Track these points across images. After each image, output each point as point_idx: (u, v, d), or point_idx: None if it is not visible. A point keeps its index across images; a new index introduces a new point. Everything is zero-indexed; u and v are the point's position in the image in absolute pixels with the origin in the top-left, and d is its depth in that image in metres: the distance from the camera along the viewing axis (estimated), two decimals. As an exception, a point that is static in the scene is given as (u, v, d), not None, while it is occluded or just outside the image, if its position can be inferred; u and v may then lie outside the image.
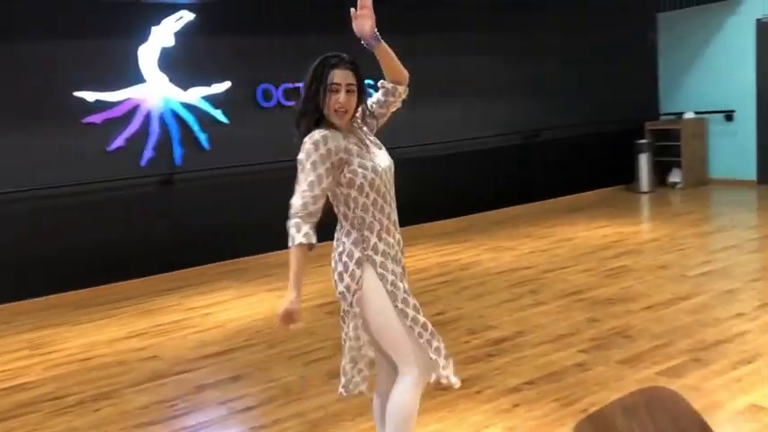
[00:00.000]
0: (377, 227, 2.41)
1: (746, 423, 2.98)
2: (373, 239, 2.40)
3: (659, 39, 10.50)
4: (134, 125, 6.48)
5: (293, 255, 2.32)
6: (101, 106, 6.29)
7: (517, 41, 8.93)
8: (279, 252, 7.13)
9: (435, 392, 3.52)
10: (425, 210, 8.24)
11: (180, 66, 6.64)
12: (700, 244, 6.46)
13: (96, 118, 6.28)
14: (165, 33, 6.50)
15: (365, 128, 2.58)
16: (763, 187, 9.27)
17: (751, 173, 9.56)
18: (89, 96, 6.21)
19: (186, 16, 6.53)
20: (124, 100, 6.40)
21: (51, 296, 6.13)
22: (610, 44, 9.87)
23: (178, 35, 6.56)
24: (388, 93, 2.65)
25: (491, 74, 8.75)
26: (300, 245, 2.30)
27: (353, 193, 2.37)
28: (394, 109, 2.70)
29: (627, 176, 9.94)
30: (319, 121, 2.39)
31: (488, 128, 8.70)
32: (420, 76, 8.25)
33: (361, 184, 2.35)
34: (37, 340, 5.14)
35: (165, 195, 6.72)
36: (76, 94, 6.16)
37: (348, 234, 2.43)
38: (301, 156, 2.33)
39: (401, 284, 2.45)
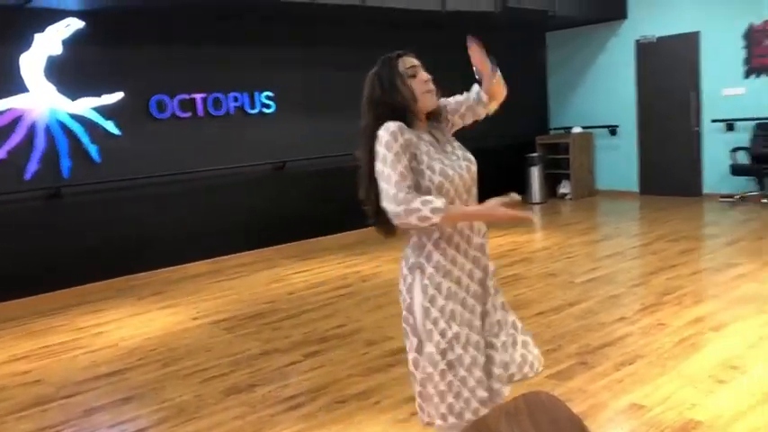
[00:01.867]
0: (435, 235, 2.16)
1: (628, 421, 3.16)
2: (428, 247, 2.17)
3: (548, 57, 11.01)
4: (17, 137, 6.13)
5: (439, 215, 2.01)
6: (-21, 116, 5.93)
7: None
8: (173, 268, 6.95)
9: (333, 405, 3.53)
10: (326, 222, 8.25)
11: (68, 75, 6.35)
12: (587, 252, 6.80)
13: (-26, 129, 5.92)
14: (51, 41, 6.21)
15: (443, 125, 2.40)
16: (645, 197, 9.89)
17: (633, 184, 10.18)
18: (-34, 106, 5.84)
19: (74, 24, 6.26)
20: (5, 110, 6.06)
21: None
22: (504, 62, 10.22)
23: (66, 43, 6.28)
24: (480, 102, 2.54)
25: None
26: (437, 209, 2.01)
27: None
28: (470, 121, 2.57)
29: (520, 188, 10.33)
30: (403, 116, 2.18)
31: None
32: (318, 90, 8.35)
33: (428, 187, 2.12)
34: None
35: (52, 210, 6.38)
36: (-49, 103, 5.79)
37: (410, 237, 2.24)
38: (380, 149, 2.12)
39: (454, 312, 2.16)
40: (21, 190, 6.17)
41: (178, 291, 6.33)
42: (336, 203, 8.41)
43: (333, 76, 8.30)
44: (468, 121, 2.54)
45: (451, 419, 2.16)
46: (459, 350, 2.14)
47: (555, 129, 11.03)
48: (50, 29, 6.18)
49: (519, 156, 10.17)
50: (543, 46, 11.01)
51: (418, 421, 3.25)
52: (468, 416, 2.14)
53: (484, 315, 2.25)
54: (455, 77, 9.78)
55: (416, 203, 2.02)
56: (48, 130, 6.29)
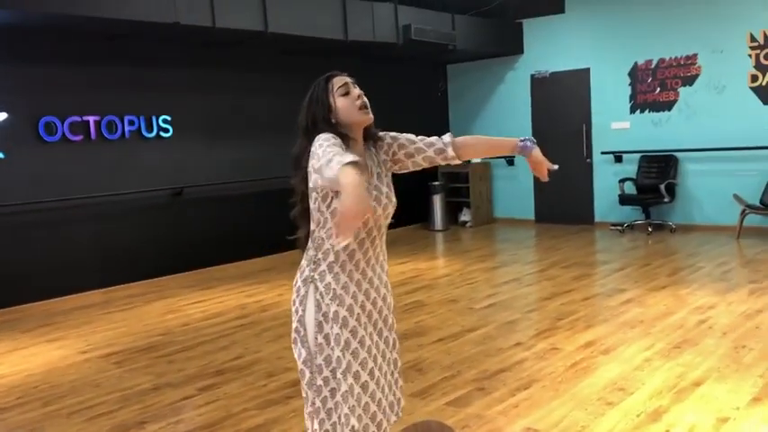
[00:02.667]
0: (331, 258, 2.18)
1: (522, 446, 3.21)
2: (323, 266, 2.19)
3: (449, 88, 11.32)
4: None
5: (343, 175, 1.79)
6: None
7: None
8: (62, 298, 6.58)
9: (228, 441, 3.40)
10: (226, 250, 8.06)
11: (-55, 93, 5.96)
12: (485, 278, 6.95)
13: None
14: (-74, 56, 5.81)
15: (380, 155, 2.37)
16: (541, 225, 10.26)
17: (530, 212, 10.55)
18: None
19: (-47, 39, 5.90)
20: None
21: None
22: (407, 91, 10.45)
23: (-57, 59, 5.89)
24: (440, 153, 2.39)
25: (294, 114, 8.83)
26: (348, 164, 1.81)
27: (326, 212, 2.16)
28: (425, 166, 2.47)
29: (422, 216, 10.49)
30: (337, 134, 2.16)
31: (288, 167, 8.75)
32: (217, 114, 8.22)
33: (336, 208, 2.07)
34: None
35: None
36: None
37: (307, 251, 2.26)
38: (315, 149, 2.04)
39: (340, 337, 2.15)
40: None
41: (66, 323, 5.98)
42: (237, 230, 8.26)
43: (233, 101, 8.19)
44: (423, 166, 2.46)
45: None
46: (339, 375, 2.16)
47: (456, 158, 11.29)
48: (-74, 44, 5.79)
49: (422, 184, 10.33)
50: (444, 77, 11.30)
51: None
52: None
53: (377, 348, 2.26)
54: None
55: (326, 162, 1.91)
56: None
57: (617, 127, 9.55)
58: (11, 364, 4.94)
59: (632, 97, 9.35)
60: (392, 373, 2.33)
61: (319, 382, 2.19)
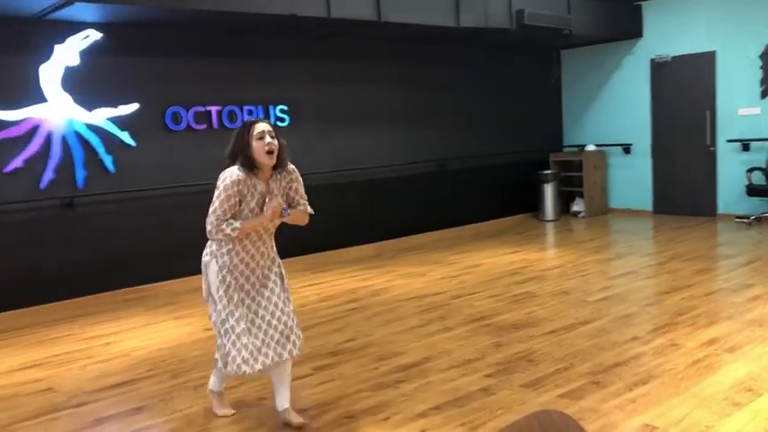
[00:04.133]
0: (229, 245, 3.31)
1: (639, 442, 3.12)
2: (223, 249, 3.32)
3: (563, 74, 11.02)
4: (34, 146, 6.20)
5: (236, 232, 3.22)
6: (-3, 125, 6.00)
7: (429, 73, 9.16)
8: (185, 279, 6.96)
9: (342, 420, 3.51)
10: (338, 236, 8.26)
11: (85, 86, 6.42)
12: (600, 270, 6.75)
13: (-8, 137, 5.98)
14: (69, 52, 6.28)
15: (287, 180, 3.40)
16: (659, 216, 9.83)
17: (647, 203, 10.12)
18: (-15, 115, 5.91)
19: (93, 35, 6.34)
20: (23, 119, 6.12)
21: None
22: (518, 78, 10.28)
23: (84, 54, 6.35)
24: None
25: (404, 104, 8.92)
26: (233, 231, 3.21)
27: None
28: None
29: (533, 205, 10.31)
30: (249, 163, 3.22)
31: (402, 155, 8.84)
32: (332, 104, 8.41)
33: (246, 215, 3.26)
34: None
35: (66, 219, 6.43)
36: (-29, 111, 5.86)
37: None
38: (220, 186, 3.20)
39: (233, 296, 3.31)
40: (36, 198, 6.22)
41: (190, 301, 6.34)
42: (349, 217, 8.44)
43: (347, 91, 8.34)
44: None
45: (220, 366, 3.34)
46: (232, 322, 3.26)
47: (569, 146, 11.00)
48: (69, 40, 6.26)
49: (533, 173, 10.15)
50: (558, 64, 11.01)
51: (428, 438, 3.22)
52: (231, 368, 3.27)
53: (260, 300, 3.32)
54: (464, 92, 9.74)
55: (223, 227, 3.19)
56: (64, 139, 6.35)
57: (745, 113, 8.97)
58: (142, 339, 5.30)
59: (763, 81, 8.75)
60: (278, 319, 3.34)
61: (218, 324, 3.31)
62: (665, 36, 9.66)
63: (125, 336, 5.41)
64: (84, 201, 6.49)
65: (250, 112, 7.53)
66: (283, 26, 7.16)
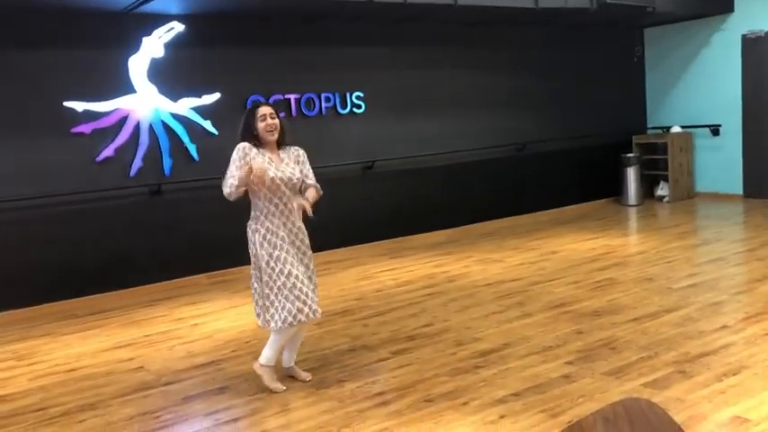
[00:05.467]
0: (265, 211, 3.80)
1: (730, 435, 3.00)
2: (261, 219, 3.80)
3: (646, 53, 10.62)
4: (123, 135, 6.47)
5: (235, 179, 3.71)
6: (90, 116, 6.28)
7: (505, 56, 9.01)
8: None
9: (421, 404, 3.53)
10: (414, 221, 8.27)
11: (170, 76, 6.65)
12: (686, 257, 6.51)
13: (85, 128, 6.28)
14: (155, 44, 6.51)
15: (290, 153, 3.90)
16: (750, 201, 9.36)
17: (737, 187, 9.66)
18: (78, 106, 6.21)
19: (177, 27, 6.55)
20: (113, 110, 6.40)
21: (36, 307, 6.09)
22: (598, 59, 9.98)
23: (168, 46, 6.57)
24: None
25: (480, 87, 8.81)
26: (234, 179, 3.72)
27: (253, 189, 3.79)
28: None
29: (615, 189, 10.01)
30: (256, 140, 3.79)
31: (478, 140, 8.75)
32: (407, 89, 8.39)
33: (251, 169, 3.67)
34: (22, 351, 5.10)
35: (153, 206, 6.70)
36: (66, 103, 6.16)
37: (252, 212, 3.86)
38: (233, 154, 3.75)
39: (280, 254, 3.74)
40: (125, 186, 6.50)
41: (270, 286, 6.49)
42: (424, 202, 8.43)
43: (422, 75, 8.31)
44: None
45: (279, 326, 3.73)
46: (287, 269, 3.69)
47: (653, 128, 10.61)
48: (155, 32, 6.48)
49: (614, 156, 9.85)
50: (641, 42, 10.61)
51: (508, 423, 3.21)
52: (291, 320, 3.68)
53: (296, 258, 3.78)
54: (542, 73, 9.55)
55: (229, 181, 3.72)
56: (151, 129, 6.61)
57: None
58: (226, 321, 5.48)
59: None
60: (309, 278, 3.81)
61: (270, 283, 3.72)
62: (759, 10, 9.14)
63: (210, 318, 5.60)
64: (171, 188, 6.74)
65: (327, 99, 7.62)
66: (360, 12, 7.19)
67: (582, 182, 9.82)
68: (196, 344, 4.93)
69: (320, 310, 3.80)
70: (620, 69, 10.31)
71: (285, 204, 3.78)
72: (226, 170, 3.77)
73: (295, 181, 3.80)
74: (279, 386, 3.86)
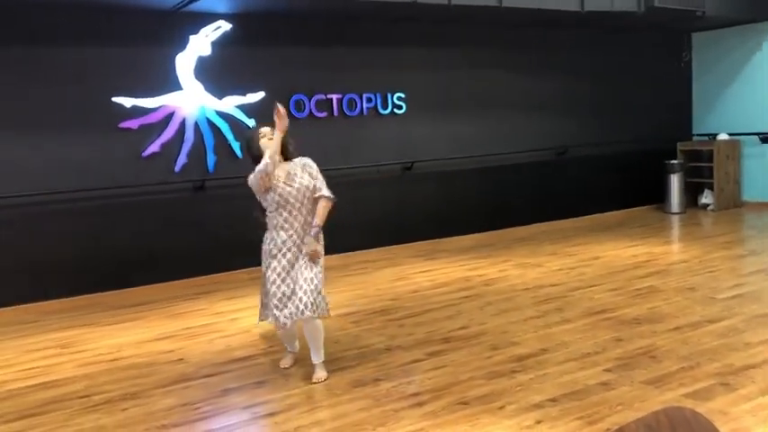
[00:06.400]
0: (269, 226, 4.12)
1: (773, 450, 2.94)
2: (266, 233, 4.15)
3: (694, 58, 10.42)
4: (169, 132, 6.60)
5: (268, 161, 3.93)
6: (138, 112, 6.43)
7: (548, 59, 8.94)
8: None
9: (456, 406, 3.53)
10: (450, 223, 8.26)
11: (216, 74, 6.76)
12: (730, 267, 6.37)
13: (133, 123, 6.42)
14: (202, 42, 6.63)
15: (297, 166, 4.04)
16: (798, 211, 9.12)
17: (786, 197, 9.42)
18: (126, 102, 6.35)
19: (224, 26, 6.66)
20: (160, 107, 6.53)
21: (80, 297, 6.25)
22: (643, 63, 9.82)
23: (215, 44, 6.68)
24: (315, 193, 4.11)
25: (522, 90, 8.76)
26: (264, 165, 3.93)
27: (264, 202, 4.11)
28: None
29: (658, 196, 9.85)
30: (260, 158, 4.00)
31: (518, 143, 8.70)
32: (449, 91, 8.38)
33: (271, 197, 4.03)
34: (66, 339, 5.24)
35: (197, 201, 6.83)
36: (114, 99, 6.31)
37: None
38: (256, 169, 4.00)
39: (270, 262, 4.06)
40: (170, 182, 6.63)
41: (308, 283, 6.54)
42: (461, 205, 8.41)
43: (463, 77, 8.29)
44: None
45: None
46: (269, 284, 4.02)
47: (698, 135, 10.40)
48: (202, 31, 6.60)
49: (658, 162, 9.68)
50: (689, 47, 10.41)
51: (545, 429, 3.19)
52: (270, 319, 4.11)
53: (290, 269, 4.00)
54: (585, 77, 9.45)
55: (256, 171, 3.96)
56: (196, 126, 6.73)
57: None
58: (264, 316, 5.54)
59: None
60: (290, 285, 4.01)
61: (264, 279, 4.10)
62: (813, 16, 8.92)
63: (248, 313, 5.67)
64: (214, 184, 6.85)
65: (369, 100, 7.66)
66: (404, 14, 7.21)
67: (623, 188, 9.68)
68: (234, 338, 5.01)
69: (287, 322, 4.01)
70: (666, 74, 10.14)
71: (294, 216, 4.01)
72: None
73: (304, 191, 4.00)
74: (282, 363, 4.32)
